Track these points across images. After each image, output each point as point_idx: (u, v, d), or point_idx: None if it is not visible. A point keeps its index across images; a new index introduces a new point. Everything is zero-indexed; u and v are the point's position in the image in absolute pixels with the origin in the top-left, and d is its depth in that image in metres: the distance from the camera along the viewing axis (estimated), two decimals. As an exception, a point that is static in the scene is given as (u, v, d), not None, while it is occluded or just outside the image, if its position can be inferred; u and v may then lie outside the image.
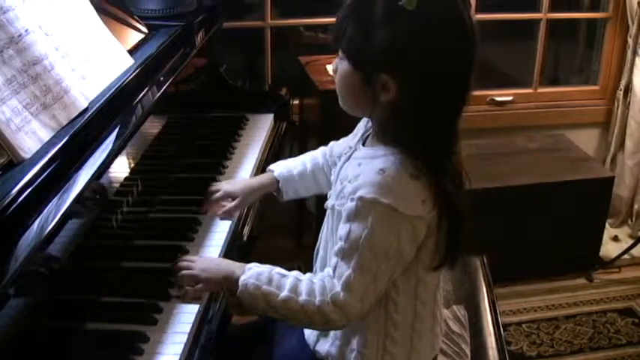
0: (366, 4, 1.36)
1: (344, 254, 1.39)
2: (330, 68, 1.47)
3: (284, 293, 1.42)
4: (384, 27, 1.33)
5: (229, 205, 1.85)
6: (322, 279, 1.42)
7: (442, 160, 1.41)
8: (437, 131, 1.40)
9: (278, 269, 1.48)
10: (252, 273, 1.46)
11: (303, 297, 1.41)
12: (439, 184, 1.39)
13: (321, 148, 1.84)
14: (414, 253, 1.42)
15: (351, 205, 1.38)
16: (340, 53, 1.43)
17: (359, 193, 1.37)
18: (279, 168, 1.87)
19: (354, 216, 1.38)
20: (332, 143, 1.81)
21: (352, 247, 1.38)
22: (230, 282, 1.48)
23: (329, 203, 1.52)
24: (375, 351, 1.51)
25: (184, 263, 1.56)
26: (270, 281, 1.44)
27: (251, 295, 1.44)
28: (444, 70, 1.35)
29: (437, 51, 1.33)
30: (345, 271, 1.38)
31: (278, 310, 1.43)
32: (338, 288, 1.39)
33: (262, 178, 1.93)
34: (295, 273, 1.46)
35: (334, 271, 1.41)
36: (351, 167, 1.47)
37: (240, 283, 1.45)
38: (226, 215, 1.86)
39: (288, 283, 1.43)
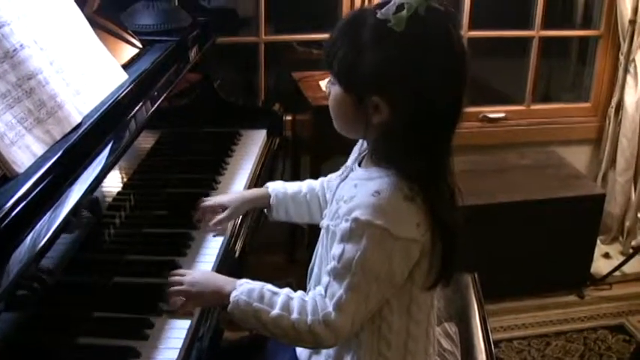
0: (356, 27, 1.37)
1: (336, 274, 1.40)
2: (323, 85, 1.48)
3: (275, 311, 1.42)
4: (373, 49, 1.34)
5: (220, 215, 1.87)
6: (314, 298, 1.43)
7: (436, 180, 1.42)
8: (430, 151, 1.41)
9: (269, 286, 1.48)
10: (244, 289, 1.46)
11: (294, 315, 1.41)
12: (433, 206, 1.39)
13: (321, 178, 1.84)
14: (407, 274, 1.42)
15: (345, 225, 1.38)
16: (332, 76, 1.44)
17: (354, 215, 1.37)
18: (275, 185, 1.89)
19: (348, 237, 1.38)
20: (330, 174, 1.80)
21: (345, 268, 1.38)
22: (220, 297, 1.50)
23: (324, 223, 1.53)
24: None
25: (175, 278, 1.57)
26: (261, 298, 1.44)
27: (242, 311, 1.44)
28: (435, 90, 1.35)
29: (427, 71, 1.34)
30: (337, 291, 1.39)
31: (268, 327, 1.43)
32: (330, 308, 1.39)
33: (256, 191, 1.96)
34: (287, 291, 1.47)
35: (326, 290, 1.41)
36: (347, 188, 1.47)
37: (231, 299, 1.46)
38: (217, 225, 1.88)
39: (279, 301, 1.44)
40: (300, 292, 1.47)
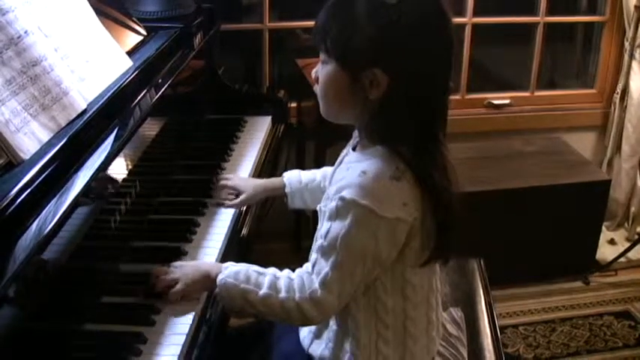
0: (349, 3, 1.38)
1: (323, 252, 1.42)
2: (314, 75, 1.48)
3: (263, 291, 1.46)
4: (369, 21, 1.35)
5: (235, 200, 1.97)
6: (301, 276, 1.46)
7: (430, 153, 1.42)
8: (425, 124, 1.42)
9: (255, 267, 1.52)
10: (230, 272, 1.50)
11: (282, 294, 1.45)
12: (426, 182, 1.40)
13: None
14: (395, 254, 1.43)
15: (332, 205, 1.40)
16: (323, 57, 1.44)
17: (341, 194, 1.38)
18: (291, 174, 1.93)
19: (335, 215, 1.40)
20: None
21: (331, 246, 1.40)
22: (207, 282, 1.55)
23: (320, 206, 1.53)
24: (369, 353, 1.52)
25: (163, 269, 1.61)
26: (248, 279, 1.48)
27: (229, 293, 1.49)
28: (431, 56, 1.38)
29: (424, 37, 1.36)
30: (324, 268, 1.42)
31: (256, 307, 1.47)
32: (316, 285, 1.42)
33: (273, 180, 2.02)
34: (272, 270, 1.51)
35: (313, 267, 1.45)
36: (341, 171, 1.49)
37: (217, 282, 1.50)
38: (230, 207, 1.98)
39: (266, 280, 1.48)
40: (286, 271, 1.50)
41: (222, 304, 1.55)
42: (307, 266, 1.47)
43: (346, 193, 1.38)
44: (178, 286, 1.57)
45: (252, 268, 1.51)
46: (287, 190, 1.91)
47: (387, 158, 1.40)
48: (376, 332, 1.51)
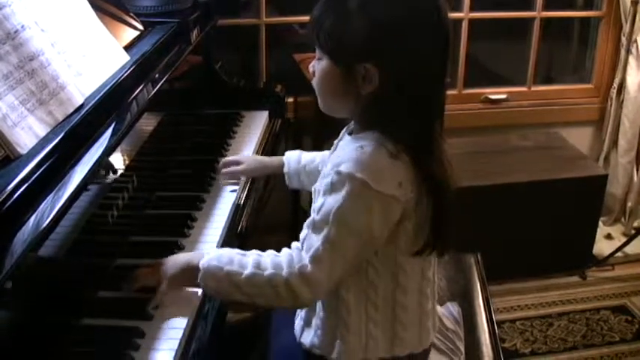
0: None
1: (315, 226, 1.40)
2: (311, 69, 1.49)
3: (248, 270, 1.43)
4: (360, 16, 1.35)
5: (234, 168, 2.03)
6: (290, 252, 1.44)
7: (426, 144, 1.42)
8: (419, 115, 1.41)
9: (237, 250, 1.50)
10: (212, 256, 1.48)
11: (269, 271, 1.42)
12: (421, 164, 1.40)
13: None
14: (386, 234, 1.42)
15: (327, 180, 1.40)
16: (318, 52, 1.45)
17: (337, 168, 1.38)
18: (291, 154, 1.95)
19: (330, 189, 1.39)
20: None
21: (323, 220, 1.39)
22: (191, 270, 1.50)
23: (315, 186, 1.52)
24: (359, 336, 1.52)
25: (144, 270, 1.58)
26: (231, 261, 1.46)
27: (214, 277, 1.46)
28: (423, 50, 1.37)
29: (415, 32, 1.36)
30: (315, 243, 1.39)
31: (243, 289, 1.44)
32: (306, 260, 1.40)
33: (273, 158, 2.05)
34: (255, 251, 1.48)
35: (303, 243, 1.42)
36: (336, 154, 1.49)
37: (200, 266, 1.47)
38: (229, 175, 2.04)
39: (251, 260, 1.45)
40: (270, 251, 1.48)
41: (207, 291, 1.51)
42: (296, 243, 1.45)
43: (343, 167, 1.37)
44: (162, 286, 1.54)
45: (236, 251, 1.49)
46: (285, 169, 1.93)
47: (383, 138, 1.40)
48: (366, 314, 1.51)
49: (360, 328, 1.51)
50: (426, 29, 1.37)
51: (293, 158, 1.93)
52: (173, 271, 1.54)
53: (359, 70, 1.38)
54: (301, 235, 1.44)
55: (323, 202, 1.40)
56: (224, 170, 2.04)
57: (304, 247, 1.42)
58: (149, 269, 1.58)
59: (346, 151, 1.41)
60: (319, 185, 1.45)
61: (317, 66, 1.46)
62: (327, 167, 1.43)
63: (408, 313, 1.53)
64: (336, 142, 1.58)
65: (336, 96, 1.46)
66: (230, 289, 1.45)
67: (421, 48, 1.36)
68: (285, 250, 1.46)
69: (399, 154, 1.38)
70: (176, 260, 1.58)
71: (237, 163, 2.05)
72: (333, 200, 1.38)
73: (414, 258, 1.48)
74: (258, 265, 1.43)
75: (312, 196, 1.53)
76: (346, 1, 1.37)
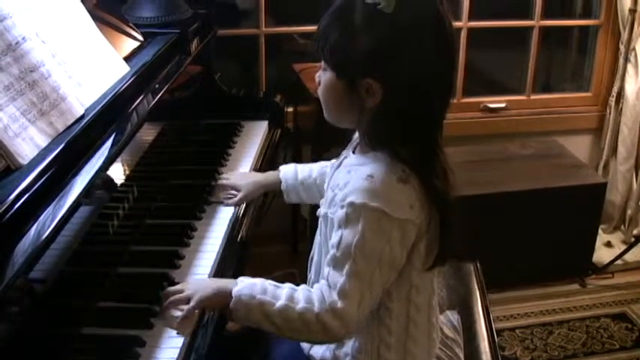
0: (346, 12, 1.38)
1: (336, 262, 1.40)
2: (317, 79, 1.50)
3: (281, 302, 1.42)
4: (364, 32, 1.36)
5: (234, 199, 1.98)
6: (320, 288, 1.43)
7: (430, 160, 1.43)
8: (423, 132, 1.42)
9: (270, 281, 1.48)
10: (246, 284, 1.47)
11: (301, 305, 1.41)
12: (429, 185, 1.40)
13: (333, 160, 1.86)
14: (405, 257, 1.43)
15: (341, 212, 1.39)
16: (323, 64, 1.45)
17: (349, 200, 1.38)
18: (287, 169, 1.94)
19: (345, 222, 1.39)
20: (333, 160, 1.82)
21: (345, 254, 1.38)
22: (222, 295, 1.49)
23: (321, 211, 1.53)
24: (370, 356, 1.52)
25: (174, 287, 1.57)
26: (264, 291, 1.45)
27: (245, 305, 1.44)
28: (426, 69, 1.37)
29: (419, 50, 1.36)
30: (339, 279, 1.39)
31: (274, 320, 1.42)
32: (335, 296, 1.39)
33: (270, 175, 2.02)
34: (289, 284, 1.47)
35: (328, 281, 1.41)
36: (341, 175, 1.48)
37: (233, 294, 1.45)
38: (229, 204, 2.00)
39: (284, 293, 1.44)
40: (303, 285, 1.48)
41: (237, 317, 1.48)
42: (323, 282, 1.43)
43: (355, 198, 1.37)
44: (192, 304, 1.51)
45: (268, 282, 1.48)
46: (282, 187, 1.92)
47: (390, 162, 1.40)
48: (379, 338, 1.51)
49: (371, 349, 1.52)
50: (429, 46, 1.36)
51: (289, 174, 1.92)
52: (204, 292, 1.52)
53: (362, 84, 1.38)
54: (324, 273, 1.44)
55: (340, 237, 1.39)
56: (226, 202, 1.99)
57: (331, 285, 1.41)
58: (178, 287, 1.57)
59: (355, 180, 1.41)
60: (331, 213, 1.45)
61: (322, 77, 1.47)
62: (338, 195, 1.43)
63: (420, 328, 1.54)
64: (340, 159, 1.58)
65: (341, 107, 1.46)
66: (260, 318, 1.44)
67: (425, 65, 1.37)
68: (316, 285, 1.45)
69: (408, 177, 1.39)
70: (207, 284, 1.57)
71: (234, 188, 2.02)
72: (352, 234, 1.38)
73: (425, 273, 1.49)
74: (290, 298, 1.42)
75: (321, 221, 1.54)
76: (352, 15, 1.37)
